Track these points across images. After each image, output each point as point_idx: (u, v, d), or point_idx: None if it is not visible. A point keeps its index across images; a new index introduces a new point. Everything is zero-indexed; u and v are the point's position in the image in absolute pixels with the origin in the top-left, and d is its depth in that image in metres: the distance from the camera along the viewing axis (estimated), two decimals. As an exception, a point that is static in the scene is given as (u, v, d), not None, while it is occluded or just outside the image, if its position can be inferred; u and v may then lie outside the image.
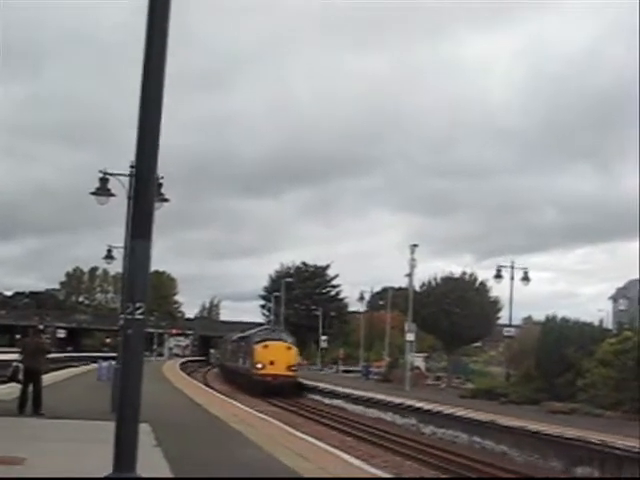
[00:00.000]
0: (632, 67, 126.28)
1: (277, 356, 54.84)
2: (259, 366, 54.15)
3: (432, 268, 68.53)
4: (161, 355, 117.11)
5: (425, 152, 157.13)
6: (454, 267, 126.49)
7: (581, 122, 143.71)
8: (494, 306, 57.31)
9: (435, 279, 58.93)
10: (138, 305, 5.77)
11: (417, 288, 56.64)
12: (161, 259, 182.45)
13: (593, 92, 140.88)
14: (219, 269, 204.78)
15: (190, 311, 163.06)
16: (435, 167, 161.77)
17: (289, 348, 56.54)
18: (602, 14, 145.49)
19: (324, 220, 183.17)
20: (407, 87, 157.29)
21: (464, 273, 59.19)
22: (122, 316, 13.31)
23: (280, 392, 50.65)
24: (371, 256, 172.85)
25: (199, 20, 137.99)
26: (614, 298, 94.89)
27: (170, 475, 12.72)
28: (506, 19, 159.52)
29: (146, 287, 5.90)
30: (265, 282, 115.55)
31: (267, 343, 55.96)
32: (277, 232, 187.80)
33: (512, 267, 50.78)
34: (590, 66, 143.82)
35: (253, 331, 64.73)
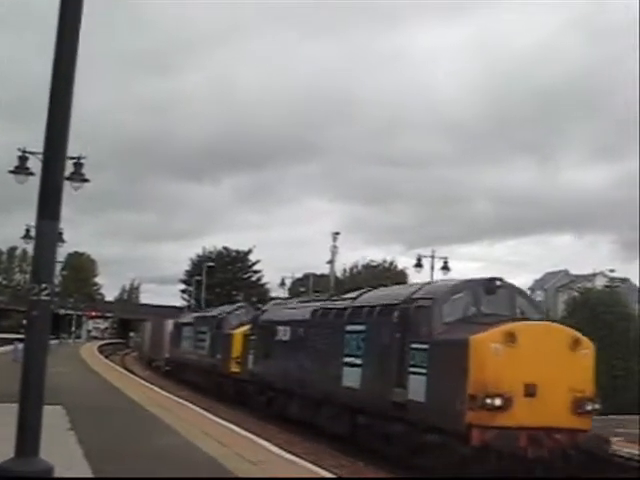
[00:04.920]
0: (578, 62, 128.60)
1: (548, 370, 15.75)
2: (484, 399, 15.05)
3: (365, 256, 68.83)
4: (79, 337, 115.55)
5: (366, 141, 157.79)
6: (384, 255, 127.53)
7: (524, 116, 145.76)
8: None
9: (357, 266, 59.29)
10: (44, 286, 5.62)
11: (340, 275, 56.87)
12: (88, 241, 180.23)
13: (538, 87, 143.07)
14: (148, 252, 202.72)
15: (112, 294, 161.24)
16: (375, 157, 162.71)
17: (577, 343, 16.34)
18: (551, 10, 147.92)
19: (260, 206, 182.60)
20: (354, 76, 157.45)
21: (384, 261, 59.64)
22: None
23: None
24: (304, 243, 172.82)
25: (148, 3, 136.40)
26: (532, 289, 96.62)
27: (83, 460, 12.53)
28: (457, 13, 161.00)
29: (53, 268, 5.75)
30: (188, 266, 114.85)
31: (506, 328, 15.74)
32: (212, 217, 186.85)
33: (432, 257, 51.19)
34: (536, 61, 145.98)
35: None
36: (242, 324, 34.00)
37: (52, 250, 5.75)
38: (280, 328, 26.56)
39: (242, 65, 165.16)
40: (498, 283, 17.60)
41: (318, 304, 24.75)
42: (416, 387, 16.74)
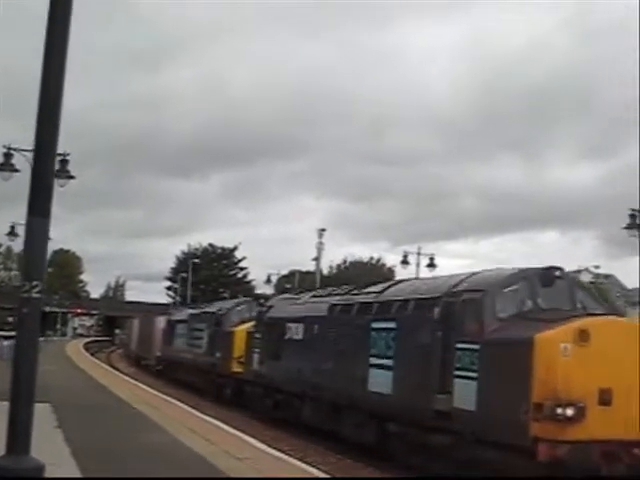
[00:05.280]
0: (567, 62, 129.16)
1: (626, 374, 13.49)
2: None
3: (352, 253, 68.89)
4: (65, 335, 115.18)
5: (355, 139, 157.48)
6: (371, 252, 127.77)
7: (513, 114, 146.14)
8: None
9: (344, 263, 59.42)
10: (35, 284, 5.60)
11: (326, 272, 56.98)
12: (74, 238, 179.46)
13: (527, 85, 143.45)
14: (135, 249, 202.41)
15: (98, 291, 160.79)
16: (363, 154, 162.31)
17: None
18: (542, 10, 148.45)
19: (248, 203, 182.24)
20: (345, 74, 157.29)
21: (371, 258, 59.87)
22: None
23: None
24: (291, 240, 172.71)
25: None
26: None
27: (70, 458, 12.50)
28: (450, 12, 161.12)
29: (44, 265, 5.73)
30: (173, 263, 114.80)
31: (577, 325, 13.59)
32: (200, 213, 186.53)
33: (419, 253, 51.43)
34: (526, 60, 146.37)
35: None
36: (244, 321, 31.71)
37: (43, 247, 5.72)
38: (291, 325, 24.11)
39: (233, 62, 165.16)
40: (557, 273, 15.50)
41: (336, 299, 22.16)
42: (464, 393, 14.58)
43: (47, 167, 5.64)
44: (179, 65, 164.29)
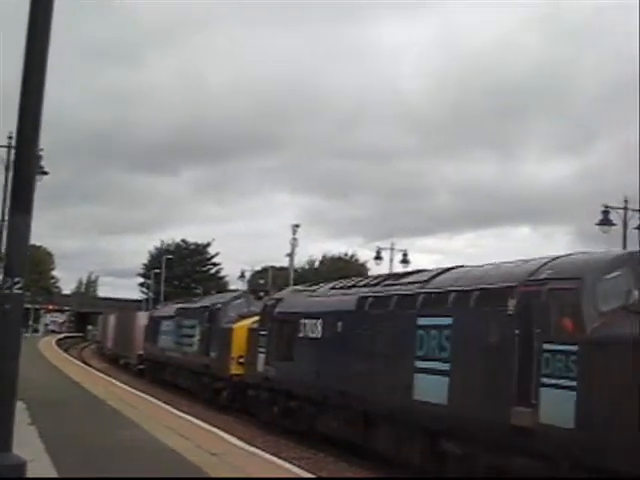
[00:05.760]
0: (539, 59, 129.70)
1: None
2: None
3: (326, 249, 68.94)
4: (37, 331, 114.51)
5: (330, 134, 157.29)
6: (345, 248, 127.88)
7: (486, 110, 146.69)
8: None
9: (317, 259, 59.53)
10: (17, 280, 5.62)
11: (300, 268, 57.09)
12: (45, 233, 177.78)
13: (500, 82, 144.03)
14: (109, 245, 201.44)
15: (70, 287, 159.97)
16: (338, 149, 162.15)
17: None
18: (512, 8, 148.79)
19: (221, 199, 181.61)
20: (319, 69, 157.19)
21: (345, 254, 60.08)
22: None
23: None
24: (265, 236, 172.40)
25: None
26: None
27: (45, 454, 12.48)
28: (422, 7, 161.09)
29: (25, 262, 5.75)
30: (146, 259, 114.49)
31: None
32: (174, 209, 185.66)
33: (392, 249, 51.69)
34: (498, 57, 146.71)
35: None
36: (242, 316, 28.53)
37: (25, 243, 5.73)
38: (307, 321, 20.91)
39: (205, 57, 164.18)
40: None
41: (364, 290, 18.94)
42: (556, 406, 11.69)
43: (29, 163, 5.65)
44: (152, 60, 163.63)
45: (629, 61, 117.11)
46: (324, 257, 77.30)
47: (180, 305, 40.33)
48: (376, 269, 55.69)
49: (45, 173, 24.84)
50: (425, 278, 16.67)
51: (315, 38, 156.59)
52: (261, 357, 23.71)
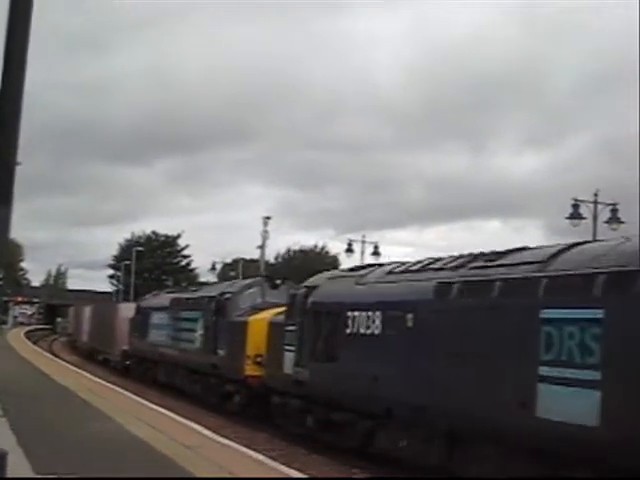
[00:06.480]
0: (514, 52, 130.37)
1: None
2: None
3: (297, 241, 68.95)
4: (5, 323, 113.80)
5: (304, 125, 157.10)
6: (316, 240, 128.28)
7: (460, 103, 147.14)
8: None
9: (288, 252, 59.56)
10: (-4, 272, 5.62)
11: (272, 260, 57.11)
12: (15, 224, 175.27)
13: (474, 75, 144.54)
14: (79, 237, 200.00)
15: (39, 279, 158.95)
16: (312, 140, 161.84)
17: None
18: (489, 0, 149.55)
19: (194, 190, 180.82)
20: (294, 60, 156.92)
21: (315, 246, 60.17)
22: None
23: None
24: (237, 228, 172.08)
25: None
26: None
27: (17, 446, 12.43)
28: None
29: (5, 254, 5.73)
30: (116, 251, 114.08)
31: None
32: (145, 201, 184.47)
33: (363, 242, 51.85)
34: (473, 49, 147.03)
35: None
36: (258, 308, 24.61)
37: (4, 235, 5.72)
38: (357, 314, 16.94)
39: (181, 47, 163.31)
40: None
41: (445, 274, 14.81)
42: None
43: (9, 154, 5.64)
44: (124, 49, 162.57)
45: (602, 57, 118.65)
46: (289, 249, 77.82)
47: (176, 295, 35.36)
48: (347, 262, 55.83)
49: (17, 163, 24.74)
50: (543, 257, 12.67)
51: (290, 29, 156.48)
52: (288, 356, 19.95)
